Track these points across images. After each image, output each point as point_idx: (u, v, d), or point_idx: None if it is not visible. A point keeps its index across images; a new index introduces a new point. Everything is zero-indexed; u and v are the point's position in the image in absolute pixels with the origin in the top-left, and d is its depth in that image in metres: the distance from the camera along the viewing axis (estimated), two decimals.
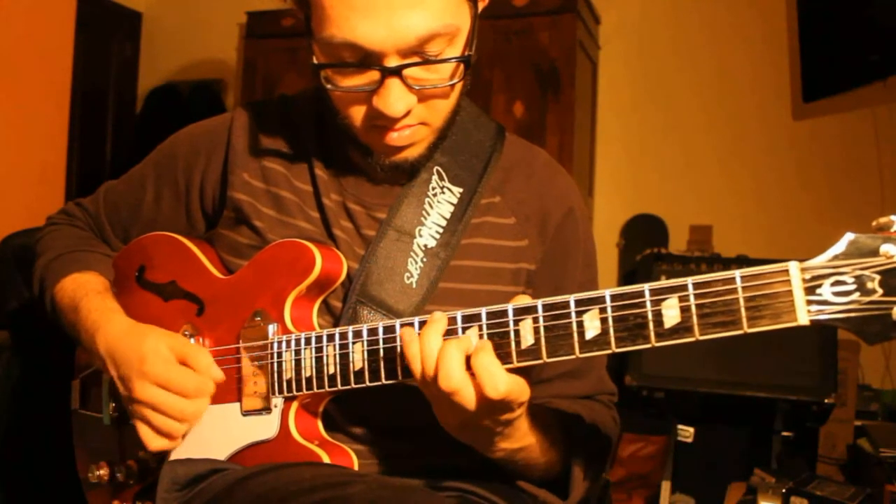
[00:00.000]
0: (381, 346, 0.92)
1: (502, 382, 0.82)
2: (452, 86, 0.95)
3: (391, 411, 1.01)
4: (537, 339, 0.83)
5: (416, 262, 1.04)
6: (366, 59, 0.89)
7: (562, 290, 0.86)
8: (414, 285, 1.03)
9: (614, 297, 0.79)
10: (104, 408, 1.16)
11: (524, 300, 0.85)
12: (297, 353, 0.99)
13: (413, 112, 0.94)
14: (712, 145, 3.36)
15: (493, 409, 0.85)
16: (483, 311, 0.86)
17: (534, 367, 0.84)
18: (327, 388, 0.96)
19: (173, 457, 1.05)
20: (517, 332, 0.84)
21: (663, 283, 0.77)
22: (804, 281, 0.72)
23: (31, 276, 1.23)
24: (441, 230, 1.06)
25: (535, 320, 0.83)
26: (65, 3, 3.16)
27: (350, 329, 0.95)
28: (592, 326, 0.80)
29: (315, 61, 0.93)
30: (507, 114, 3.16)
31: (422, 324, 0.88)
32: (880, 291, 0.70)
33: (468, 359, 0.83)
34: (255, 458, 1.00)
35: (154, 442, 1.02)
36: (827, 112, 3.15)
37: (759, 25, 3.30)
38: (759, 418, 2.41)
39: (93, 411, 1.20)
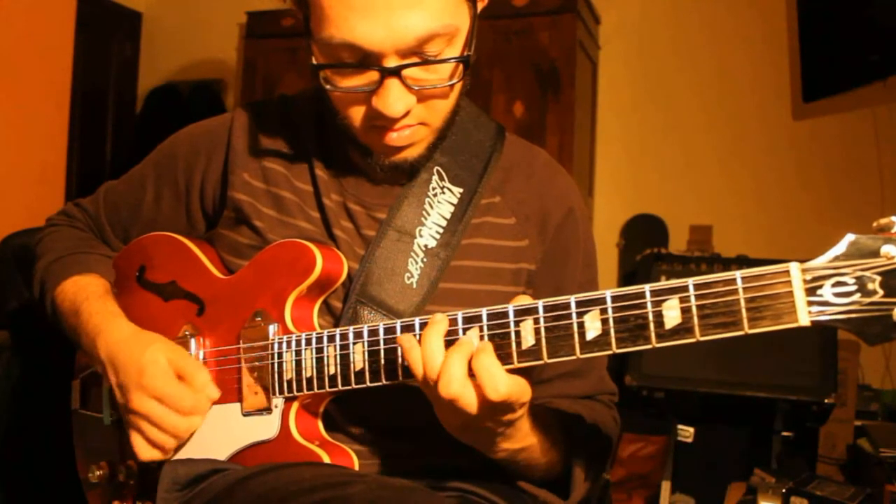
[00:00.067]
0: (381, 346, 0.92)
1: (503, 384, 0.82)
2: (452, 86, 0.95)
3: (391, 411, 1.01)
4: (538, 340, 0.83)
5: (417, 263, 1.04)
6: (365, 59, 0.89)
7: (562, 291, 0.86)
8: (414, 285, 1.03)
9: (615, 298, 0.80)
10: (104, 408, 1.16)
11: (525, 301, 0.85)
12: (298, 353, 0.99)
13: (412, 112, 0.94)
14: (712, 145, 3.36)
15: (495, 411, 0.85)
16: (484, 311, 0.86)
17: (535, 367, 0.84)
18: (328, 389, 0.96)
19: (174, 457, 1.05)
20: (518, 333, 0.84)
21: (664, 283, 0.77)
22: (805, 282, 0.72)
23: (31, 276, 1.23)
24: (441, 230, 1.06)
25: (536, 321, 0.83)
26: (65, 3, 3.16)
27: (351, 329, 0.95)
28: (593, 327, 0.80)
29: (314, 62, 0.93)
30: (507, 114, 3.16)
31: (422, 325, 0.88)
32: (881, 292, 0.70)
33: (469, 360, 0.83)
34: (256, 459, 1.00)
35: (146, 453, 1.03)
36: (827, 112, 3.15)
37: (759, 25, 3.30)
38: (759, 418, 2.41)
39: (93, 411, 1.20)
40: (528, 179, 1.12)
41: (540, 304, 0.83)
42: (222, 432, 1.04)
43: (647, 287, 0.78)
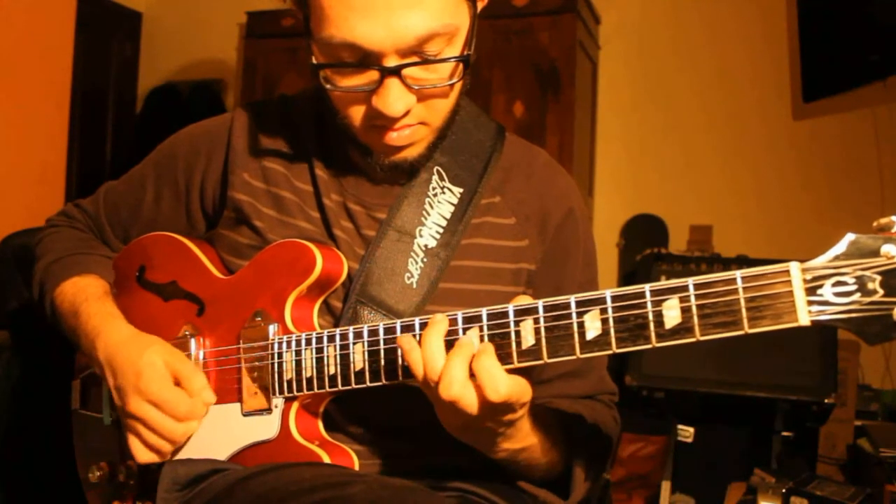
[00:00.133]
0: (381, 346, 0.92)
1: (503, 384, 0.82)
2: (452, 85, 0.95)
3: (391, 411, 1.01)
4: (538, 340, 0.83)
5: (417, 263, 1.04)
6: (365, 58, 0.89)
7: (562, 291, 0.86)
8: (414, 285, 1.03)
9: (615, 298, 0.79)
10: (104, 408, 1.16)
11: (525, 300, 0.85)
12: (298, 353, 0.99)
13: (412, 112, 0.94)
14: (712, 145, 3.36)
15: (496, 411, 0.85)
16: (483, 311, 0.86)
17: (535, 367, 0.84)
18: (328, 389, 0.96)
19: (174, 457, 1.05)
20: (518, 333, 0.84)
21: (664, 283, 0.77)
22: (805, 281, 0.72)
23: (30, 277, 1.23)
24: (441, 230, 1.06)
25: (536, 321, 0.83)
26: (65, 3, 3.16)
27: (350, 329, 0.95)
28: (593, 327, 0.80)
29: (314, 61, 0.93)
30: (507, 114, 3.16)
31: (422, 325, 0.88)
32: (881, 292, 0.70)
33: (470, 361, 0.83)
34: (256, 459, 1.00)
35: (143, 455, 1.04)
36: (827, 112, 3.15)
37: (760, 25, 3.30)
38: (759, 418, 2.40)
39: (93, 411, 1.20)
40: (528, 179, 1.12)
41: (540, 303, 0.83)
42: (222, 432, 1.04)
43: (647, 287, 0.78)
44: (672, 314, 0.77)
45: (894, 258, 0.70)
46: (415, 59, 0.89)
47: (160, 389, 1.01)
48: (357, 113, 0.96)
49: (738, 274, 0.74)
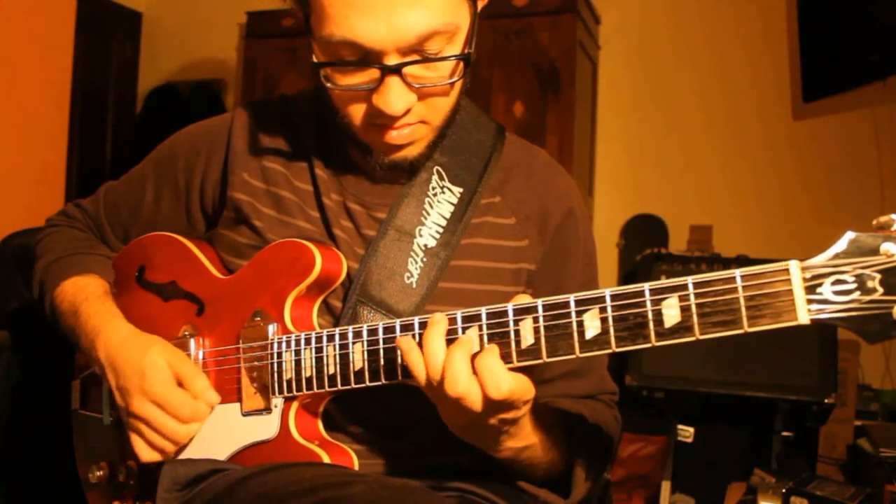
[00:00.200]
0: (381, 346, 0.92)
1: (505, 382, 0.82)
2: (452, 84, 0.95)
3: (391, 411, 1.01)
4: (537, 339, 0.83)
5: (417, 262, 1.04)
6: (365, 57, 0.89)
7: (562, 290, 0.86)
8: (414, 285, 1.03)
9: (614, 297, 0.79)
10: (104, 408, 1.15)
11: (524, 300, 0.85)
12: (297, 353, 0.99)
13: (413, 110, 0.94)
14: (712, 145, 3.36)
15: (498, 409, 0.85)
16: (483, 311, 0.86)
17: (535, 366, 0.84)
18: (327, 388, 0.96)
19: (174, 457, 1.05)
20: (517, 332, 0.84)
21: (663, 282, 0.77)
22: (804, 280, 0.72)
23: (30, 277, 1.23)
24: (441, 230, 1.05)
25: (536, 320, 0.83)
26: (65, 3, 3.16)
27: (350, 329, 0.95)
28: (592, 326, 0.80)
29: (315, 60, 0.93)
30: (507, 114, 3.16)
31: (422, 324, 0.88)
32: (881, 290, 0.70)
33: (472, 359, 0.83)
34: (256, 459, 1.00)
35: (147, 455, 1.04)
36: (827, 112, 3.14)
37: (760, 25, 3.30)
38: (759, 418, 2.40)
39: (93, 411, 1.20)
40: (528, 179, 1.12)
41: (539, 303, 0.83)
42: (222, 432, 1.04)
43: (646, 286, 0.78)
44: (671, 313, 0.77)
45: (894, 256, 0.69)
46: (415, 57, 0.89)
47: (164, 391, 1.01)
48: (357, 112, 0.96)
49: (737, 273, 0.74)
